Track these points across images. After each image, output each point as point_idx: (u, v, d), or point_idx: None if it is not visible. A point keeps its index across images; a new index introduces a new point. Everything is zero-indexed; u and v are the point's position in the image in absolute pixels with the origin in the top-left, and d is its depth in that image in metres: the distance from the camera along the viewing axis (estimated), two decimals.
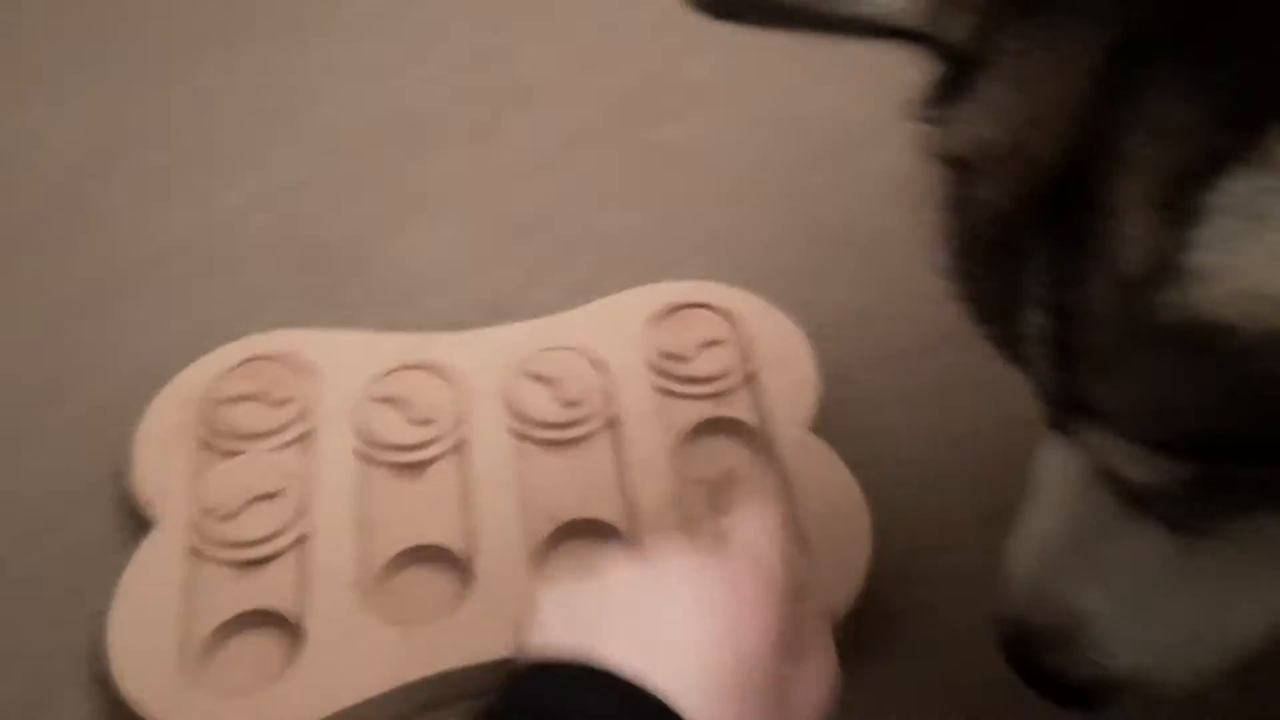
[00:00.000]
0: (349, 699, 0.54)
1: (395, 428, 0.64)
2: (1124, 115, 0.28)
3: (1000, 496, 0.61)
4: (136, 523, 0.62)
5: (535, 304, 0.73)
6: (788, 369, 0.65)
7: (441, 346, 0.67)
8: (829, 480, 0.60)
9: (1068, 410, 0.33)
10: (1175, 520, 0.34)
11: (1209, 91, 0.26)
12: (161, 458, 0.63)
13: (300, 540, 0.60)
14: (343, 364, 0.67)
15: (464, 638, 0.55)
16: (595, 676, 0.38)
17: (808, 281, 0.74)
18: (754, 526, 0.46)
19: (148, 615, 0.56)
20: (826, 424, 0.64)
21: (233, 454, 0.64)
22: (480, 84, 0.87)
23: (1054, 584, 0.39)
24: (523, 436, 0.64)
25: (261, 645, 0.57)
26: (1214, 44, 0.27)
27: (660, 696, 0.37)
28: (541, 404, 0.65)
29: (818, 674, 0.43)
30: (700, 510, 0.60)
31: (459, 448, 0.64)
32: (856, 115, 0.82)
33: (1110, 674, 0.39)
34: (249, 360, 0.67)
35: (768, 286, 0.71)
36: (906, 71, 0.35)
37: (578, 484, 0.62)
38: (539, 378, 0.65)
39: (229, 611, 0.57)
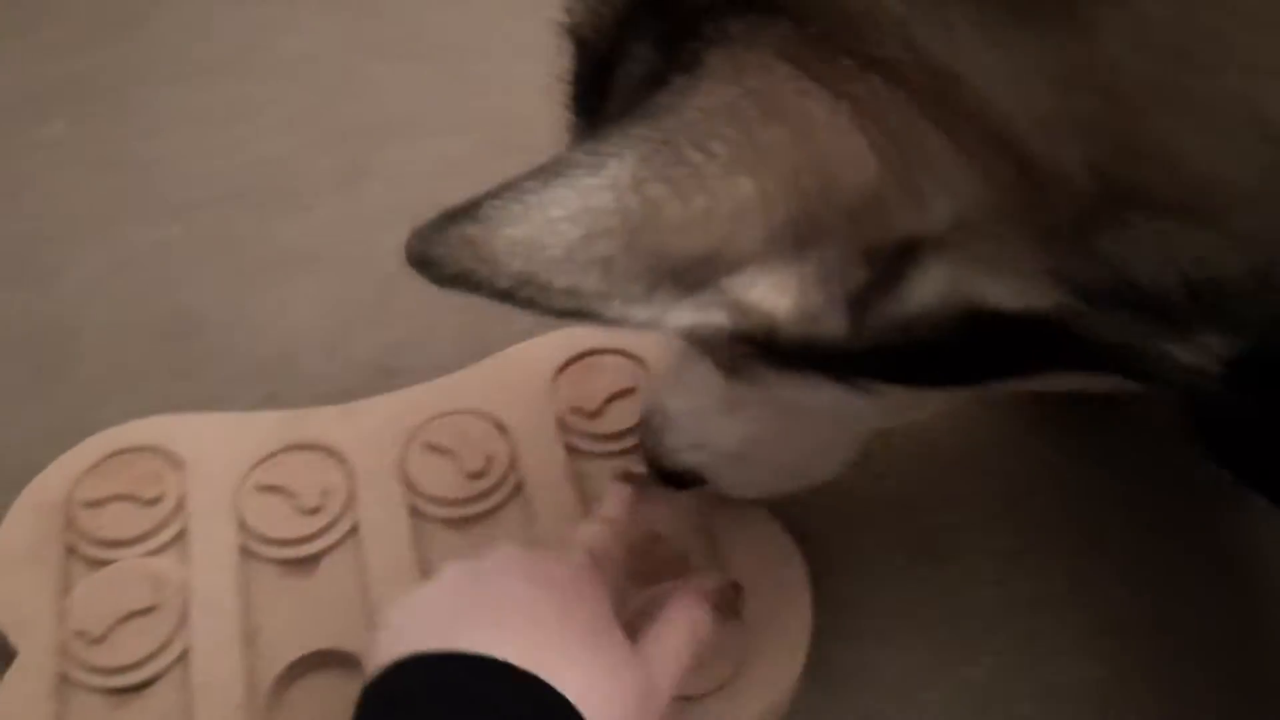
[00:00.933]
0: None
1: (280, 518, 0.58)
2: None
3: (925, 529, 0.59)
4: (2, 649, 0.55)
5: (427, 360, 0.67)
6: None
7: (325, 421, 0.62)
8: (761, 540, 0.56)
9: None
10: (718, 363, 0.45)
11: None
12: (21, 577, 0.56)
13: (181, 658, 0.54)
14: (217, 451, 0.60)
15: None
16: (459, 662, 0.39)
17: None
18: (594, 532, 0.50)
19: None
20: None
21: (101, 563, 0.57)
22: (341, 123, 0.81)
23: (664, 400, 0.51)
24: (423, 516, 0.58)
25: None
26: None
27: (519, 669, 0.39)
28: (441, 478, 0.59)
29: (672, 646, 0.45)
30: (622, 582, 0.56)
31: (352, 535, 0.58)
32: None
33: (684, 464, 0.51)
34: (113, 455, 0.60)
35: None
36: None
37: None
38: (436, 448, 0.60)
39: None
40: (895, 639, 0.55)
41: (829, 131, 0.29)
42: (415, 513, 0.58)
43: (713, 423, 0.49)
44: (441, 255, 0.31)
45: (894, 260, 0.31)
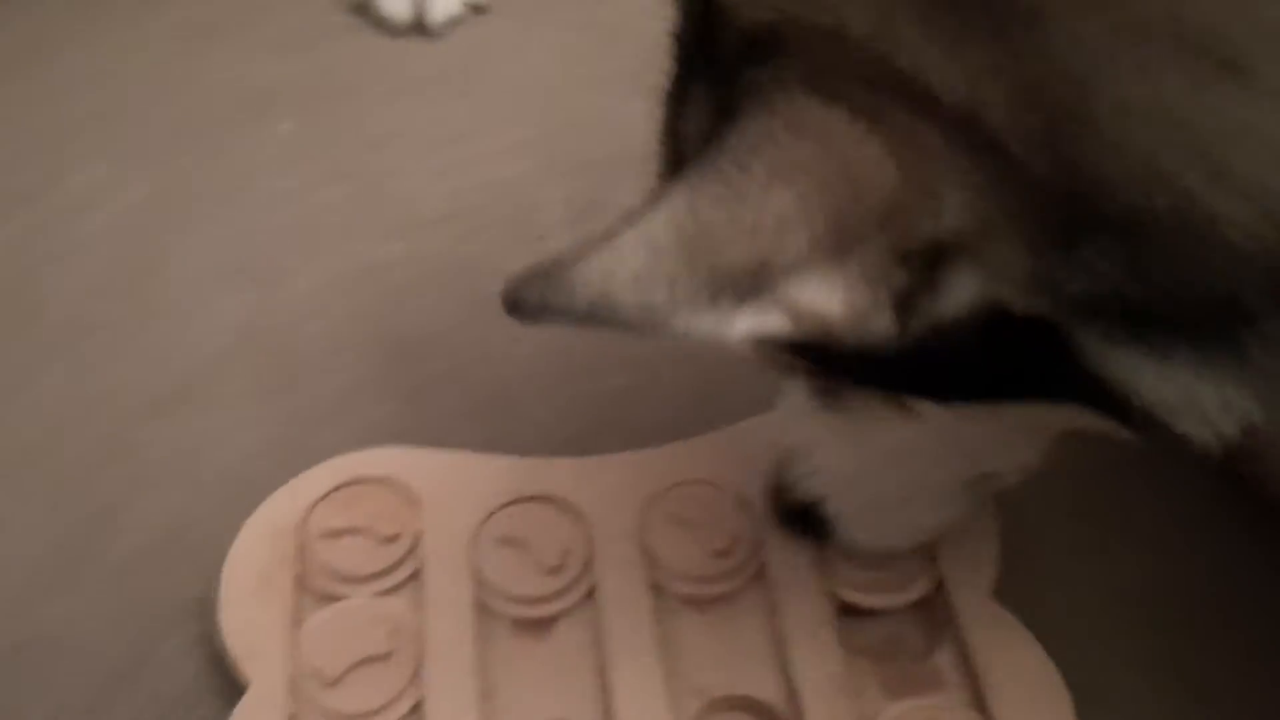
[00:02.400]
0: None
1: (518, 575, 0.56)
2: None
3: (1199, 675, 0.56)
4: (220, 673, 0.54)
5: (651, 413, 0.65)
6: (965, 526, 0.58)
7: (567, 475, 0.60)
8: (1023, 663, 0.53)
9: None
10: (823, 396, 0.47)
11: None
12: (253, 605, 0.55)
13: (414, 711, 0.52)
14: (456, 493, 0.58)
15: None
16: None
17: None
18: None
19: None
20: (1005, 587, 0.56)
21: (331, 597, 0.56)
22: (573, 154, 0.79)
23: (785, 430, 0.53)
24: (662, 589, 0.56)
25: None
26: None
27: None
28: (683, 551, 0.57)
29: None
30: (872, 692, 0.53)
31: (589, 600, 0.56)
32: None
33: (806, 495, 0.52)
34: (347, 484, 0.59)
35: None
36: None
37: (727, 651, 0.55)
38: (679, 520, 0.58)
39: None
40: None
41: (851, 143, 0.33)
42: (654, 585, 0.56)
43: (823, 451, 0.52)
44: (525, 293, 0.37)
45: (929, 263, 0.35)
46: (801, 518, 0.54)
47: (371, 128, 0.80)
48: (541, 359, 0.69)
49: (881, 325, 0.36)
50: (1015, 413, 0.42)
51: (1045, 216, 0.34)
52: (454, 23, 0.87)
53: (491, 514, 0.58)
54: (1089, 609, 0.57)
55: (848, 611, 0.55)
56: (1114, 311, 0.35)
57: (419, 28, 0.86)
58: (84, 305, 0.70)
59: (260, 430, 0.65)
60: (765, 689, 0.53)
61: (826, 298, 0.35)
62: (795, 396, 0.50)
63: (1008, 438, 0.47)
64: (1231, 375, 0.36)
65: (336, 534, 0.57)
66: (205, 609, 0.55)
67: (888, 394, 0.43)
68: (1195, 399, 0.36)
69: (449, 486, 0.59)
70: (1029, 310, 0.35)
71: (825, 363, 0.41)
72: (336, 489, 0.59)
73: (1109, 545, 0.60)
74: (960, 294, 0.35)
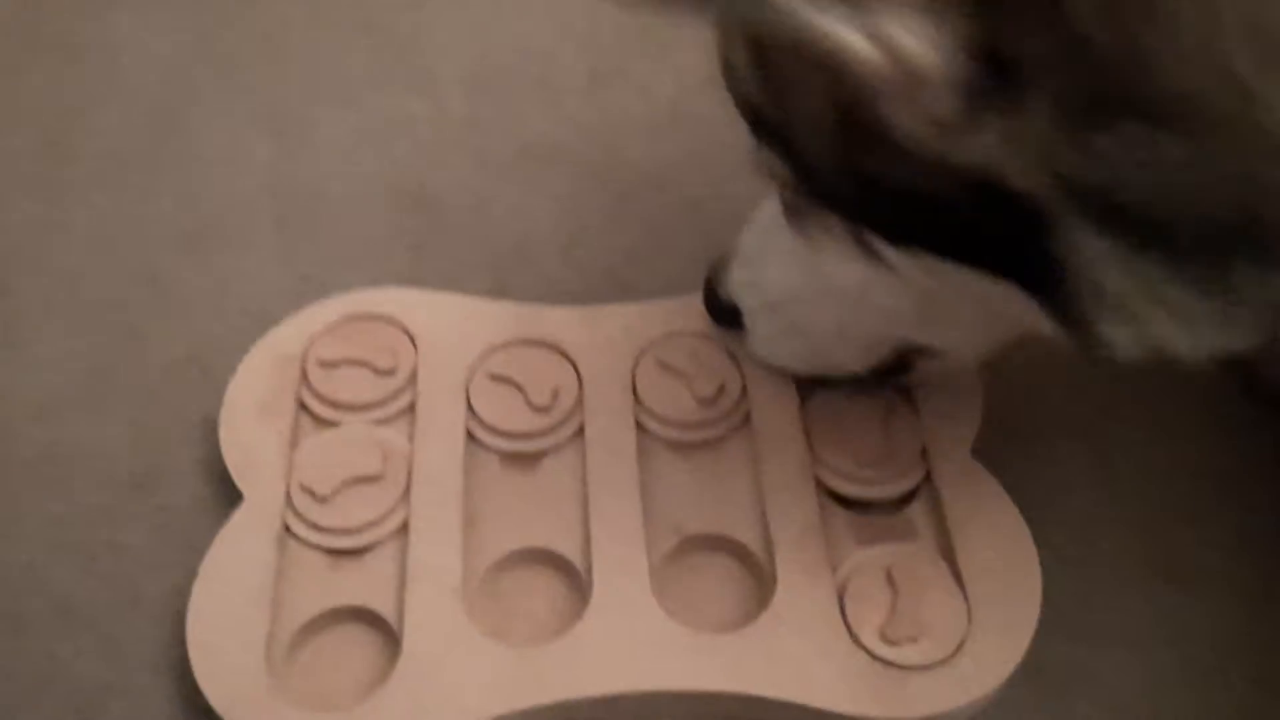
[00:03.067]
0: None
1: (509, 411, 0.58)
2: None
3: (1174, 551, 0.56)
4: (226, 490, 0.57)
5: (658, 275, 0.66)
6: (949, 378, 0.58)
7: (562, 321, 0.61)
8: (994, 517, 0.54)
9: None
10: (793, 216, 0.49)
11: None
12: (254, 423, 0.57)
13: (401, 530, 0.54)
14: (454, 332, 0.60)
15: (579, 665, 0.50)
16: None
17: None
18: None
19: (233, 606, 0.51)
20: (985, 448, 0.57)
21: (329, 423, 0.58)
22: (598, 26, 0.79)
23: (743, 233, 0.54)
24: (648, 432, 0.58)
25: (353, 645, 0.52)
26: None
27: None
28: (671, 398, 0.58)
29: None
30: (844, 540, 0.54)
31: (577, 439, 0.57)
32: None
33: (729, 298, 0.55)
34: (350, 319, 0.61)
35: None
36: None
37: (707, 494, 0.56)
38: (669, 368, 0.59)
39: (321, 606, 0.52)
40: (1116, 652, 0.53)
41: None
42: (641, 428, 0.57)
43: (767, 265, 0.52)
44: None
45: (993, 74, 0.34)
46: (720, 310, 0.56)
47: None
48: (554, 217, 0.70)
49: (939, 105, 0.35)
50: (960, 282, 0.41)
51: (1087, 87, 0.33)
52: None
53: (486, 354, 0.60)
54: (1069, 477, 0.58)
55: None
56: (1109, 207, 0.35)
57: None
58: (119, 144, 0.73)
59: (280, 270, 0.67)
60: (741, 530, 0.54)
61: (915, 39, 0.34)
62: (769, 210, 0.51)
63: (945, 312, 0.46)
64: (1205, 296, 0.36)
65: (336, 364, 0.59)
66: (217, 430, 0.58)
67: (852, 225, 0.44)
68: (1157, 310, 0.36)
69: (447, 326, 0.61)
70: (1025, 186, 0.35)
71: (811, 178, 0.42)
72: (340, 323, 0.61)
73: (1097, 423, 0.60)
74: (981, 141, 0.35)
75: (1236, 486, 0.58)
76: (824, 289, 0.49)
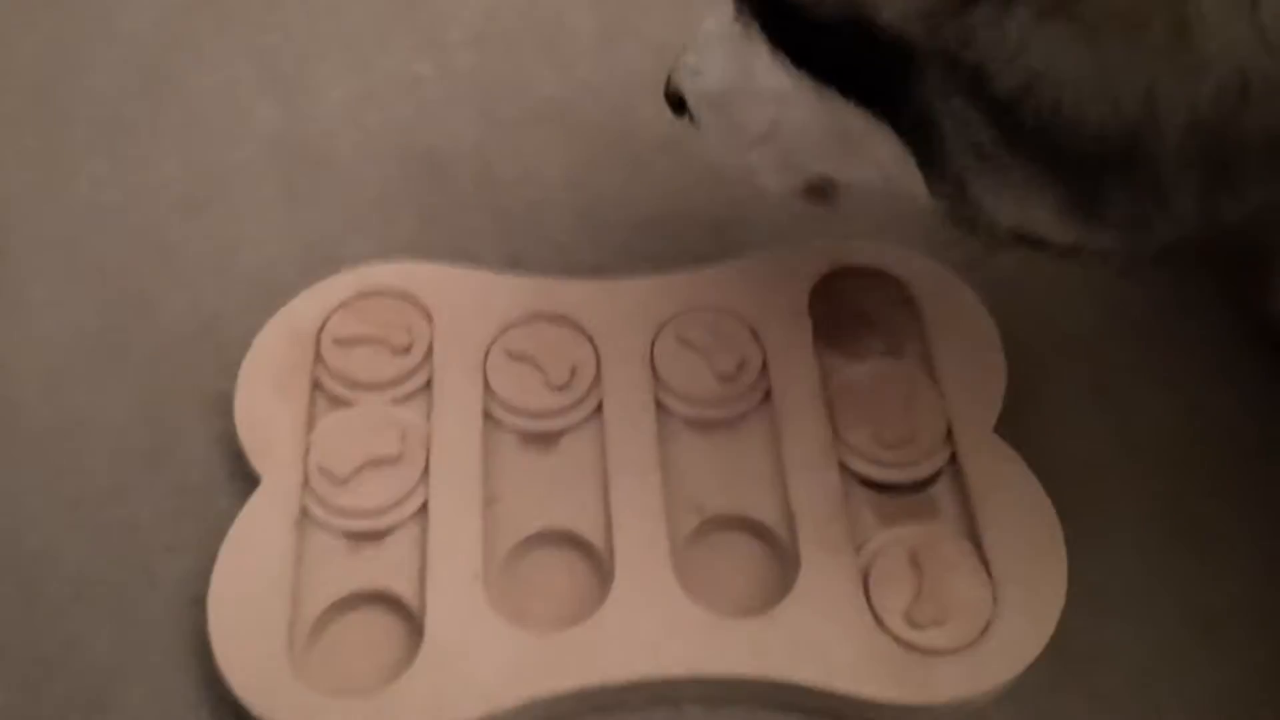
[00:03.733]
0: (473, 711, 0.48)
1: (527, 389, 0.57)
2: None
3: (1198, 520, 0.56)
4: (240, 466, 0.56)
5: (673, 243, 0.65)
6: (971, 355, 0.58)
7: (579, 296, 0.60)
8: (1018, 495, 0.53)
9: None
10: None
11: None
12: (269, 402, 0.56)
13: (420, 512, 0.54)
14: (470, 309, 0.59)
15: (605, 649, 0.50)
16: None
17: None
18: None
19: (254, 591, 0.51)
20: (1008, 423, 0.56)
21: (345, 403, 0.57)
22: None
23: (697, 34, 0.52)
24: (668, 410, 0.57)
25: (374, 629, 0.52)
26: None
27: None
28: (691, 374, 0.57)
29: None
30: (867, 519, 0.54)
31: (595, 417, 0.57)
32: None
33: (679, 86, 0.54)
34: (365, 295, 0.60)
35: (934, 240, 0.62)
36: None
37: (728, 473, 0.55)
38: (689, 344, 0.58)
39: (341, 590, 0.52)
40: (1139, 626, 0.53)
41: None
42: (660, 406, 0.57)
43: (713, 55, 0.51)
44: None
45: None
46: (671, 96, 0.55)
47: None
48: (569, 183, 0.68)
49: None
50: (843, 113, 0.42)
51: None
52: None
53: (504, 330, 0.59)
54: (1092, 451, 0.57)
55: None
56: (979, 81, 0.34)
57: None
58: (120, 106, 0.71)
59: (288, 235, 0.66)
60: (762, 510, 0.54)
61: None
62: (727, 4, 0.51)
63: (842, 143, 0.46)
64: (1071, 200, 0.35)
65: (352, 342, 0.58)
66: (229, 404, 0.57)
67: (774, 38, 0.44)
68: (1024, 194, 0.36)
69: (463, 302, 0.60)
70: (893, 25, 0.35)
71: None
72: (355, 299, 0.60)
73: (1120, 395, 0.60)
74: None
75: (1262, 457, 0.57)
76: (753, 90, 0.49)
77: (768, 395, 0.57)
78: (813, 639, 0.50)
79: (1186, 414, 0.59)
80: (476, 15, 0.75)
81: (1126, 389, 0.59)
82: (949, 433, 0.55)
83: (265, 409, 0.57)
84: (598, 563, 0.53)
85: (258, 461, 0.55)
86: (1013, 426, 0.56)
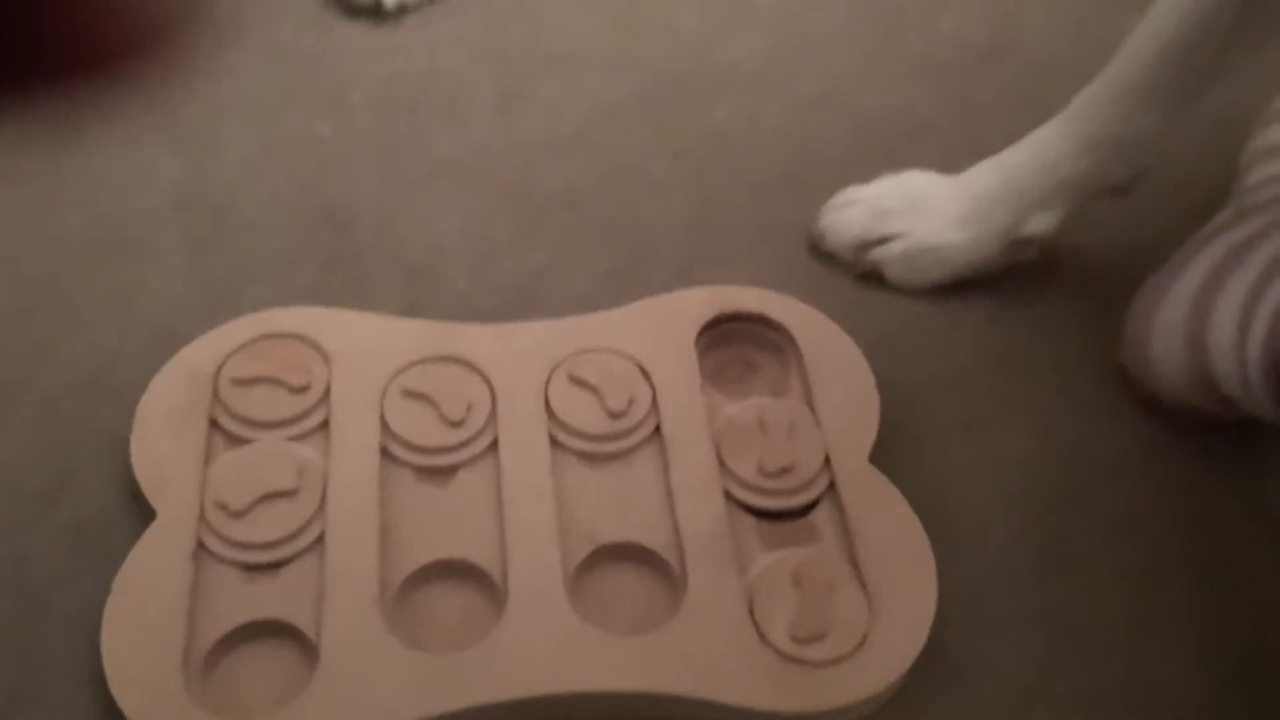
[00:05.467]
0: None
1: (423, 426, 0.59)
2: None
3: (1058, 539, 0.60)
4: (137, 504, 0.56)
5: (568, 292, 0.68)
6: (847, 392, 0.61)
7: (475, 339, 0.62)
8: (891, 519, 0.56)
9: None
10: None
11: None
12: (166, 440, 0.57)
13: (316, 544, 0.55)
14: (367, 350, 0.61)
15: (496, 669, 0.51)
16: None
17: (858, 292, 0.69)
18: None
19: (148, 620, 0.51)
20: (882, 454, 0.60)
21: (242, 441, 0.58)
22: (506, 48, 0.81)
23: None
24: (561, 446, 0.59)
25: (270, 658, 0.52)
26: None
27: None
28: (583, 411, 0.60)
29: None
30: (752, 544, 0.56)
31: (490, 453, 0.59)
32: (916, 109, 0.79)
33: None
34: (263, 338, 0.61)
35: (815, 289, 0.67)
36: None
37: (619, 503, 0.58)
38: (581, 383, 0.60)
39: (237, 620, 0.52)
40: (1011, 636, 0.56)
41: None
42: (554, 442, 0.59)
43: None
44: None
45: None
46: None
47: (312, 13, 0.81)
48: (464, 234, 0.71)
49: None
50: None
51: None
52: (406, 8, 0.82)
53: (401, 370, 0.61)
54: (961, 478, 0.61)
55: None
56: None
57: (377, 10, 0.81)
58: (22, 156, 0.72)
59: (189, 284, 0.67)
60: (652, 537, 0.56)
61: None
62: None
63: None
64: None
65: (250, 382, 0.59)
66: (127, 445, 0.58)
67: None
68: None
69: (360, 344, 0.61)
70: None
71: None
72: (253, 341, 0.61)
73: (986, 424, 0.64)
74: None
75: (1116, 478, 0.62)
76: None
77: (657, 430, 0.60)
78: (701, 655, 0.52)
79: (1046, 441, 0.63)
80: (377, 78, 0.78)
81: (992, 421, 0.63)
82: (827, 462, 0.58)
83: (161, 446, 0.57)
84: (493, 591, 0.55)
85: (154, 497, 0.55)
86: (888, 457, 0.60)
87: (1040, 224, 0.65)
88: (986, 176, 0.66)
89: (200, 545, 0.54)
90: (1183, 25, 0.57)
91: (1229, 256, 0.59)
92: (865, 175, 0.71)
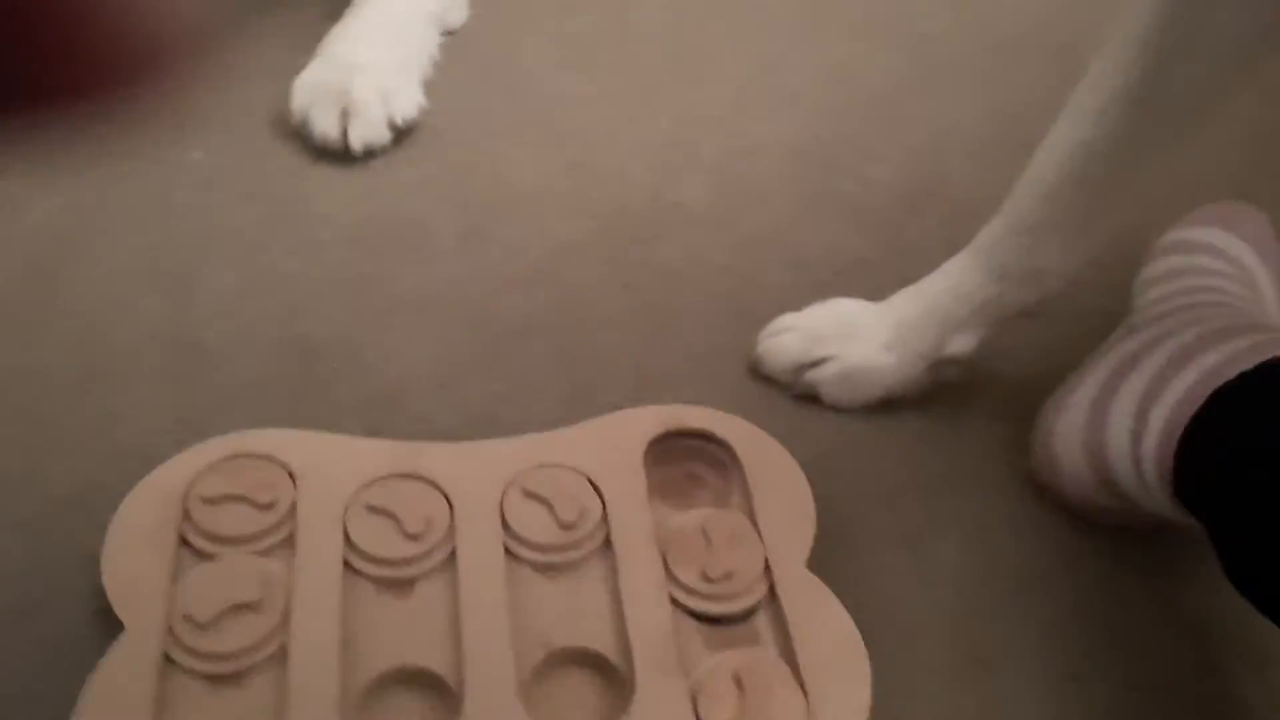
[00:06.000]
0: None
1: (383, 539, 0.62)
2: None
3: (985, 645, 0.63)
4: (106, 620, 0.58)
5: (528, 416, 0.72)
6: (786, 504, 0.65)
7: (435, 457, 0.66)
8: (828, 623, 0.60)
9: None
10: None
11: None
12: (136, 556, 0.60)
13: (279, 655, 0.57)
14: (331, 469, 0.64)
15: None
16: None
17: (796, 411, 0.74)
18: None
19: None
20: (821, 564, 0.63)
21: (211, 556, 0.61)
22: (468, 192, 0.87)
23: None
24: (516, 557, 0.62)
25: None
26: None
27: None
28: (536, 524, 0.63)
29: None
30: (696, 646, 0.59)
31: (449, 565, 0.62)
32: (847, 246, 0.85)
33: None
34: (232, 458, 0.65)
35: (756, 409, 0.71)
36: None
37: (571, 611, 0.61)
38: (535, 496, 0.64)
39: None
40: None
41: None
42: (509, 553, 0.62)
43: None
44: None
45: None
46: None
47: (284, 159, 0.87)
48: (427, 362, 0.75)
49: None
50: None
51: None
52: (375, 148, 0.87)
53: (362, 487, 0.64)
54: (895, 587, 0.64)
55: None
56: None
57: (345, 153, 0.86)
58: (9, 294, 0.76)
59: (164, 412, 0.70)
60: (602, 642, 0.59)
61: None
62: None
63: None
64: None
65: (218, 500, 0.62)
66: (99, 564, 0.60)
67: None
68: None
69: (324, 463, 0.65)
70: None
71: None
72: (222, 461, 0.64)
73: (917, 535, 0.67)
74: None
75: (1039, 587, 0.65)
76: None
77: (607, 541, 0.63)
78: None
79: (973, 553, 0.67)
80: (347, 219, 0.84)
81: (923, 533, 0.67)
82: (767, 569, 0.62)
83: (131, 562, 0.60)
84: (450, 698, 0.57)
85: (122, 611, 0.58)
86: (826, 566, 0.63)
87: (960, 345, 0.70)
88: (908, 303, 0.72)
89: (166, 657, 0.56)
90: (1061, 171, 0.63)
91: (1122, 365, 0.64)
92: (799, 305, 0.77)
